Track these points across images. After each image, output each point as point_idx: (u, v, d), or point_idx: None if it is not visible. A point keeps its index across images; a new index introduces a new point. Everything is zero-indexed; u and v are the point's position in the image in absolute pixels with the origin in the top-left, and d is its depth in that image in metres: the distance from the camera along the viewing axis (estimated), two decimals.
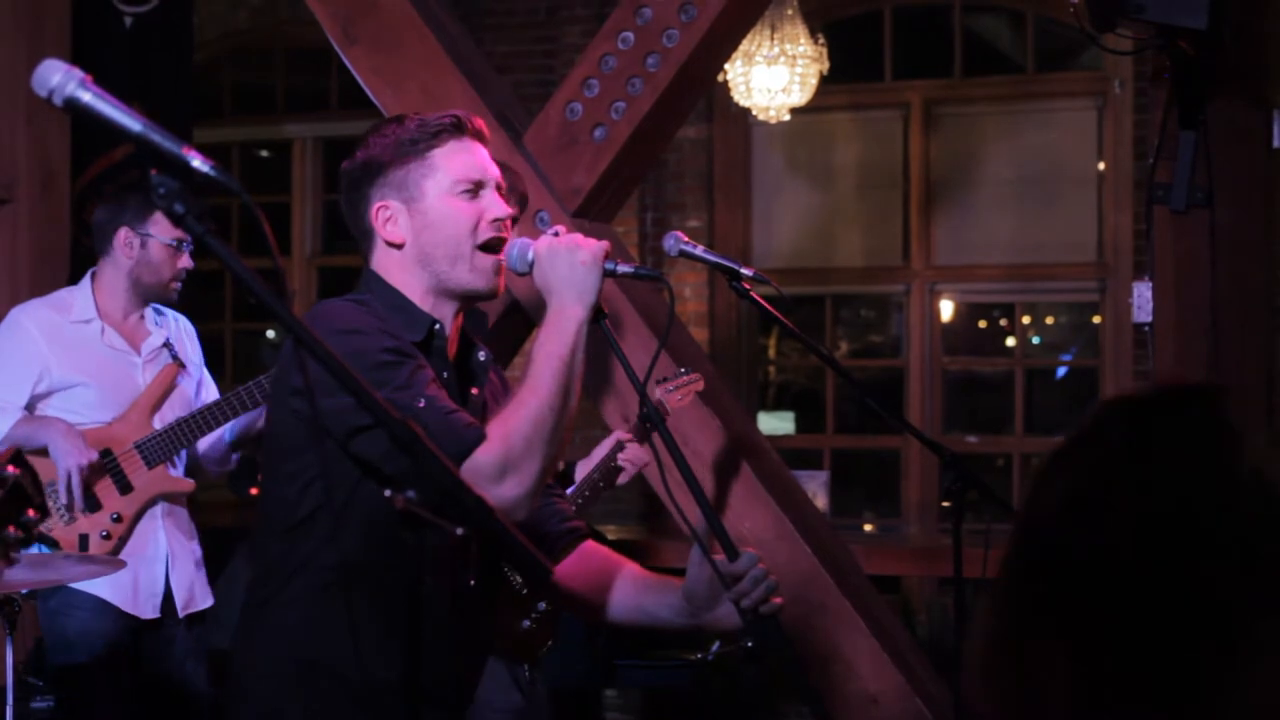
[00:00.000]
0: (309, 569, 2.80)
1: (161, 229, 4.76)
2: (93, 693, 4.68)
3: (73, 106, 1.82)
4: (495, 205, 2.87)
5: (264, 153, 10.96)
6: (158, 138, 1.82)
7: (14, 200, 5.90)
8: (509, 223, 2.90)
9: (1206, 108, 4.61)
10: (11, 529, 3.09)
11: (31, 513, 3.07)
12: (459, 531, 1.96)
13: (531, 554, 2.02)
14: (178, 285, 4.85)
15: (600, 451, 4.52)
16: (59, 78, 1.82)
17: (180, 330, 5.00)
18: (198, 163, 1.82)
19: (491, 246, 2.86)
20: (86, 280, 4.87)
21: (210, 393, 5.03)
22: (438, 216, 2.85)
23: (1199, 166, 4.64)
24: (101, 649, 4.68)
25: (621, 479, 4.47)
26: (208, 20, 9.75)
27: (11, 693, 3.92)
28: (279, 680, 2.85)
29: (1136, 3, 4.26)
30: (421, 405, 2.62)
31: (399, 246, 2.87)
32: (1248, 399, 4.72)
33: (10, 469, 2.97)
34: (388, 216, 2.87)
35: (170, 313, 5.00)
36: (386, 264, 2.89)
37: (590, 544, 3.06)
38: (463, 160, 2.87)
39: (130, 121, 1.82)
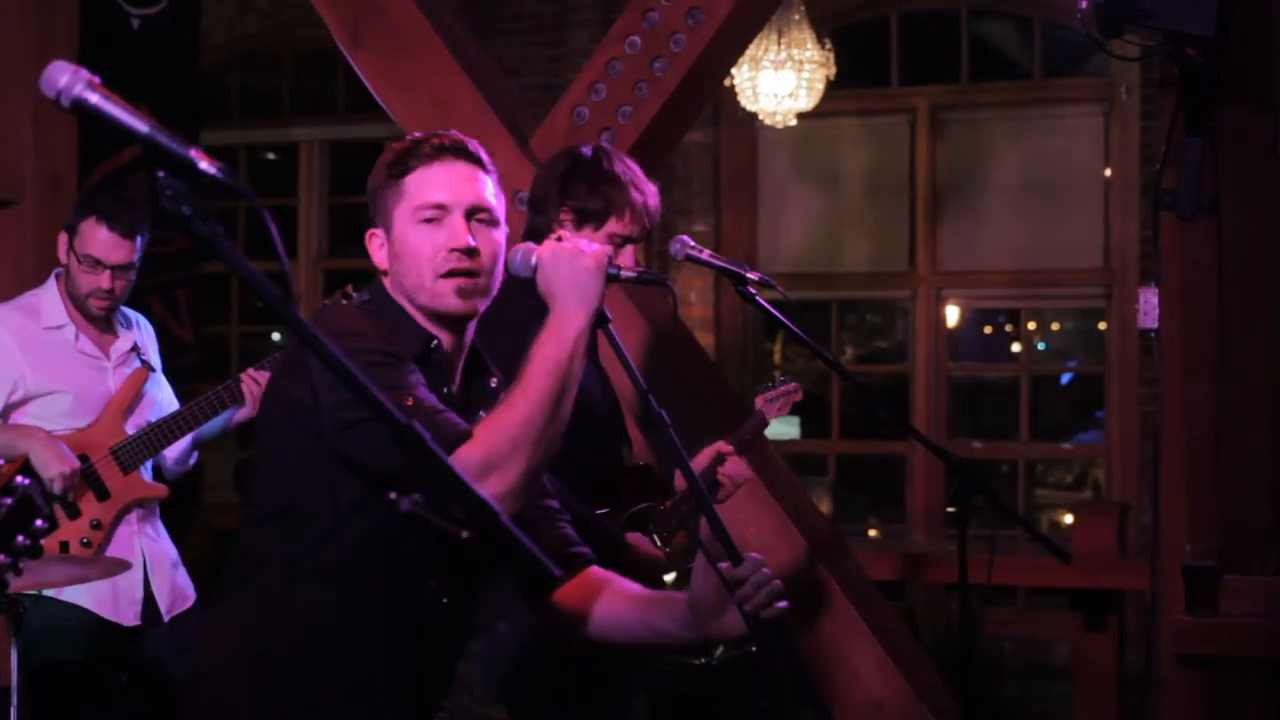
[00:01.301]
0: (275, 561, 2.80)
1: (81, 241, 4.65)
2: (72, 702, 4.66)
3: (80, 108, 1.81)
4: (456, 234, 2.80)
5: (270, 155, 10.98)
6: (165, 140, 1.82)
7: (21, 202, 5.90)
8: (470, 253, 2.82)
9: (1214, 114, 4.60)
10: (20, 538, 3.09)
11: (40, 522, 3.08)
12: (464, 534, 1.96)
13: (538, 559, 2.01)
14: (98, 303, 4.71)
15: (699, 463, 4.32)
16: (66, 79, 1.81)
17: (143, 332, 4.97)
18: (205, 165, 1.82)
19: (451, 275, 2.80)
20: (53, 282, 4.79)
21: (169, 394, 5.00)
22: (400, 245, 2.82)
23: (1206, 173, 4.63)
24: (81, 656, 4.65)
25: (720, 494, 4.17)
26: (215, 23, 9.76)
27: (16, 694, 3.91)
28: (229, 672, 2.85)
29: (1144, 9, 4.25)
30: (410, 403, 2.62)
31: (384, 272, 2.88)
32: (1254, 406, 4.71)
33: (19, 479, 2.97)
34: (378, 244, 2.88)
35: (134, 314, 4.96)
36: (388, 283, 2.90)
37: (594, 570, 3.05)
38: (429, 184, 2.81)
39: (137, 124, 1.82)
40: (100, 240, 4.64)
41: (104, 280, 4.67)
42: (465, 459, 2.60)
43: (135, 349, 4.85)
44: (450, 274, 2.79)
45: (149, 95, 5.96)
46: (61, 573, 4.07)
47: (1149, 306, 4.78)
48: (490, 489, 2.61)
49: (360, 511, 2.72)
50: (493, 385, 2.94)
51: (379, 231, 2.87)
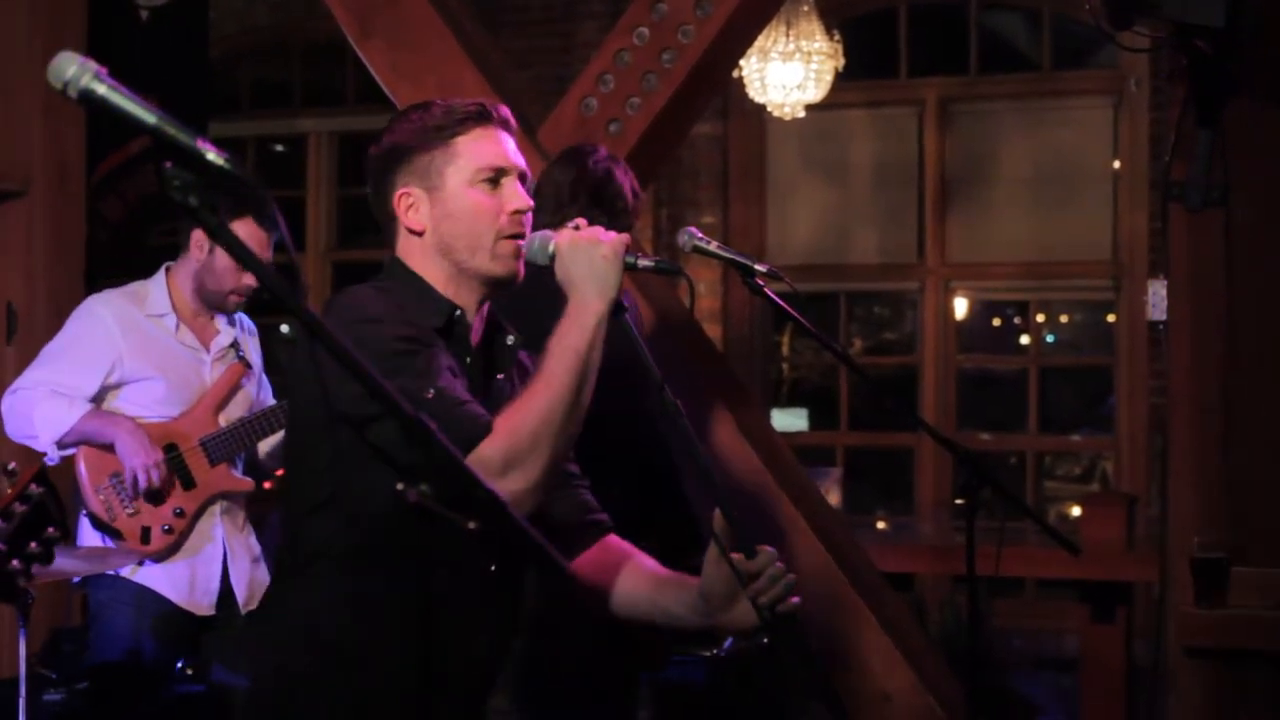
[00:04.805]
0: (324, 555, 2.80)
1: None
2: (137, 684, 4.71)
3: (87, 99, 1.81)
4: (516, 197, 2.85)
5: (279, 147, 10.98)
6: (173, 130, 1.81)
7: (29, 194, 5.91)
8: (529, 214, 2.88)
9: (1223, 106, 4.60)
10: (33, 544, 3.10)
11: (52, 530, 3.09)
12: (471, 525, 1.96)
13: (545, 550, 2.01)
14: (237, 299, 4.82)
15: None
16: (74, 69, 1.81)
17: (245, 331, 5.02)
18: (213, 155, 1.81)
19: (510, 236, 2.85)
20: (161, 274, 4.87)
21: (267, 394, 5.05)
22: (457, 206, 2.83)
23: (1215, 165, 4.63)
24: (150, 642, 4.70)
25: None
26: (224, 15, 9.76)
27: (24, 684, 3.92)
28: (292, 666, 2.85)
29: (1153, 1, 4.25)
30: (430, 395, 2.60)
31: (419, 234, 2.86)
32: (1263, 398, 4.71)
33: (34, 487, 2.98)
34: (410, 204, 2.86)
35: (238, 313, 5.01)
36: (409, 250, 2.88)
37: (612, 538, 3.05)
38: (485, 149, 2.85)
39: (145, 114, 1.81)
40: (254, 238, 4.70)
41: (250, 278, 4.74)
42: (487, 456, 2.59)
43: (235, 345, 4.90)
44: (514, 235, 2.83)
45: (157, 87, 5.95)
46: (107, 559, 4.15)
47: (1158, 298, 4.78)
48: (513, 485, 2.60)
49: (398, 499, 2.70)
50: (509, 343, 2.95)
51: (414, 191, 2.86)
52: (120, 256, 5.15)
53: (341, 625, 2.80)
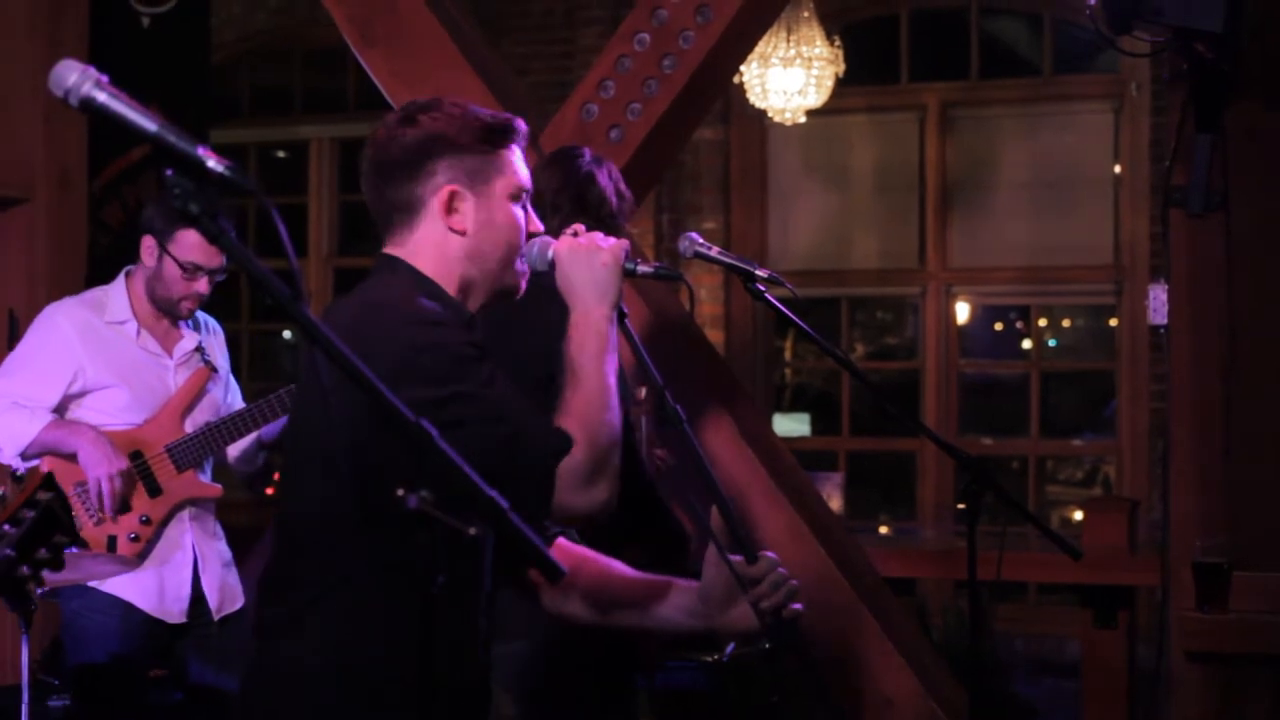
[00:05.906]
0: (341, 574, 2.74)
1: (180, 249, 4.64)
2: (111, 695, 4.69)
3: (88, 106, 1.81)
4: (533, 219, 2.85)
5: (281, 154, 10.99)
6: (173, 138, 1.81)
7: (31, 200, 5.92)
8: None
9: (1223, 110, 4.60)
10: (41, 551, 3.11)
11: (60, 536, 3.09)
12: (471, 531, 1.95)
13: (544, 554, 2.01)
14: (189, 306, 4.76)
15: None
16: (75, 77, 1.81)
17: (210, 334, 4.98)
18: (213, 163, 1.82)
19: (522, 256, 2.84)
20: (121, 279, 4.83)
21: (235, 397, 5.02)
22: (501, 218, 2.76)
23: (1215, 169, 4.63)
24: (123, 651, 4.68)
25: None
26: (225, 21, 9.77)
27: (27, 691, 3.92)
28: (311, 687, 2.78)
29: (1153, 5, 4.25)
30: (511, 402, 2.58)
31: (462, 234, 2.76)
32: (1264, 402, 4.71)
33: (41, 494, 2.98)
34: (457, 202, 2.77)
35: (202, 315, 4.97)
36: (421, 248, 2.78)
37: (563, 541, 2.99)
38: (520, 168, 2.82)
39: (146, 122, 1.82)
40: (201, 246, 4.64)
41: (201, 285, 4.70)
42: (577, 463, 2.57)
43: (200, 349, 4.86)
44: (522, 255, 2.82)
45: (159, 93, 5.97)
46: (84, 569, 4.14)
47: (1159, 303, 4.78)
48: (599, 494, 2.59)
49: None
50: None
51: (462, 190, 2.76)
52: (122, 262, 5.12)
53: (358, 646, 2.71)
